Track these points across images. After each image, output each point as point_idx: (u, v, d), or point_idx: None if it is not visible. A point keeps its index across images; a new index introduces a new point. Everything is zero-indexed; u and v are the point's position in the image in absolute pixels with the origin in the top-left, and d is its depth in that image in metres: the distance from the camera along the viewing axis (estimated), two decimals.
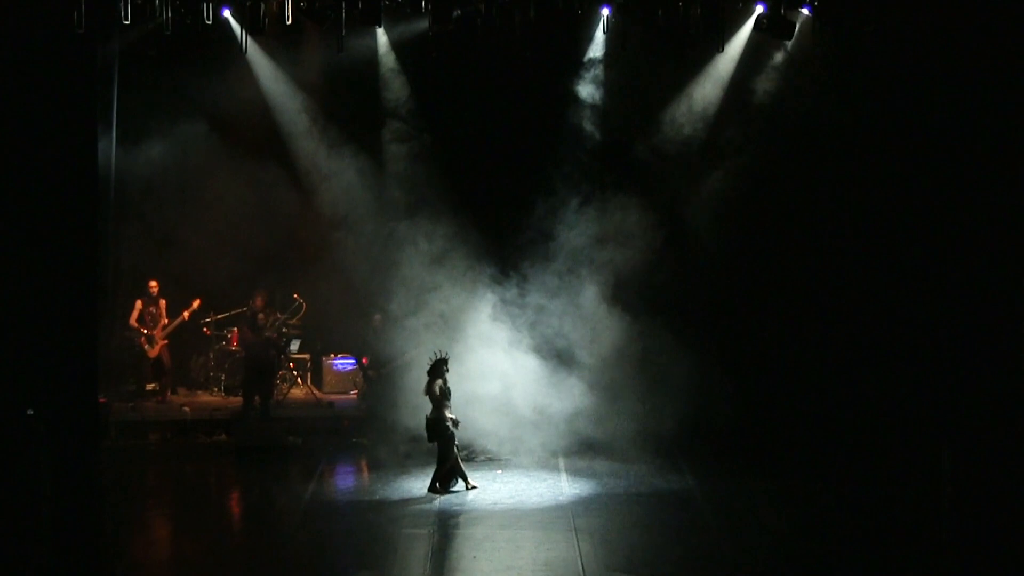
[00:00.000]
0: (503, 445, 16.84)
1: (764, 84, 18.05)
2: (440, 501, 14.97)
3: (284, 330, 19.58)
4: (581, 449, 17.07)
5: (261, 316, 18.90)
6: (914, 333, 15.85)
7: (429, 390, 15.28)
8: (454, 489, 15.31)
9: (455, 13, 16.58)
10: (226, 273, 19.38)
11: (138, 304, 19.24)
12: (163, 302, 19.35)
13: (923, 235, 15.86)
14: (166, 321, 19.34)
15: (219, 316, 19.93)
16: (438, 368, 15.33)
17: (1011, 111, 14.75)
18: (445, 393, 15.31)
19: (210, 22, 16.63)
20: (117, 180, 18.43)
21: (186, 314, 19.38)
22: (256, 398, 18.51)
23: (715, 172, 18.45)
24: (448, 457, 15.33)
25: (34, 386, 14.04)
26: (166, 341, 19.41)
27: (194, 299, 19.36)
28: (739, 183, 18.30)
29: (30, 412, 13.45)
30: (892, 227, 16.96)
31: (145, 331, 19.20)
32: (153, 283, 19.31)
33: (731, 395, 17.45)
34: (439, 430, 15.28)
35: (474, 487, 15.31)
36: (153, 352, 19.30)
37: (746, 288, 18.27)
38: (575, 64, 18.54)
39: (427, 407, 15.46)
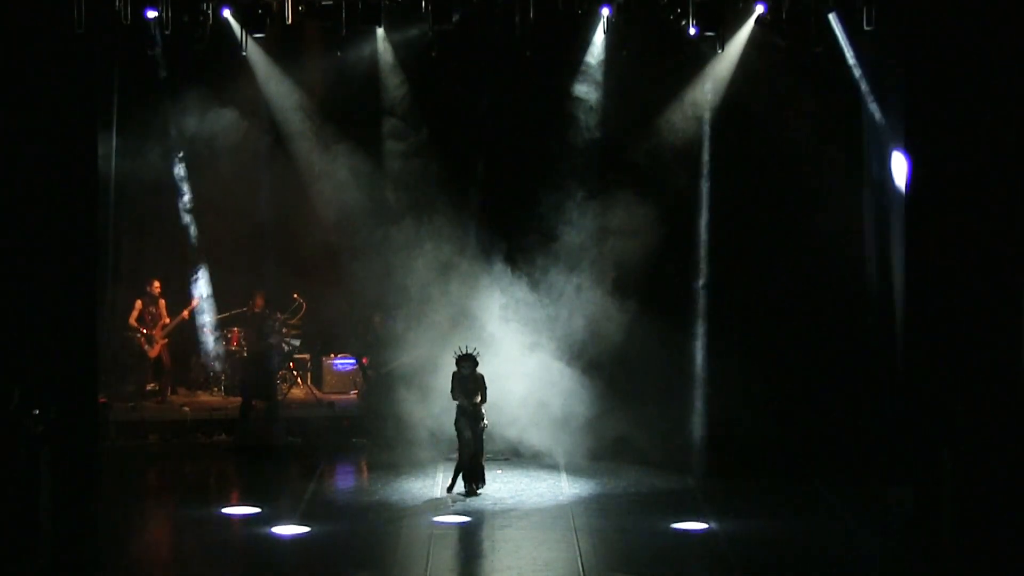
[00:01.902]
0: (510, 445, 16.87)
1: (763, 82, 18.05)
2: (439, 501, 14.97)
3: (284, 330, 19.58)
4: (598, 453, 17.03)
5: (278, 316, 18.89)
6: (914, 333, 15.83)
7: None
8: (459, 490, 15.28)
9: (455, 17, 16.60)
10: (226, 272, 19.39)
11: (138, 304, 19.22)
12: (163, 302, 19.34)
13: (923, 234, 15.83)
14: (166, 321, 19.33)
15: (219, 316, 19.91)
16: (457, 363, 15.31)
17: (1011, 111, 14.75)
18: (456, 387, 15.31)
19: (211, 22, 16.66)
20: (117, 180, 18.44)
21: (185, 313, 19.38)
22: (255, 402, 18.44)
23: (718, 171, 18.46)
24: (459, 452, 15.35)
25: (34, 386, 14.03)
26: (166, 341, 19.39)
27: (193, 298, 19.36)
28: (742, 183, 18.33)
29: (36, 412, 13.44)
30: (892, 225, 16.95)
31: (145, 331, 19.19)
32: (156, 283, 19.29)
33: (742, 396, 17.44)
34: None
35: (468, 494, 15.24)
36: (153, 352, 19.29)
37: (752, 289, 18.28)
38: (575, 64, 18.53)
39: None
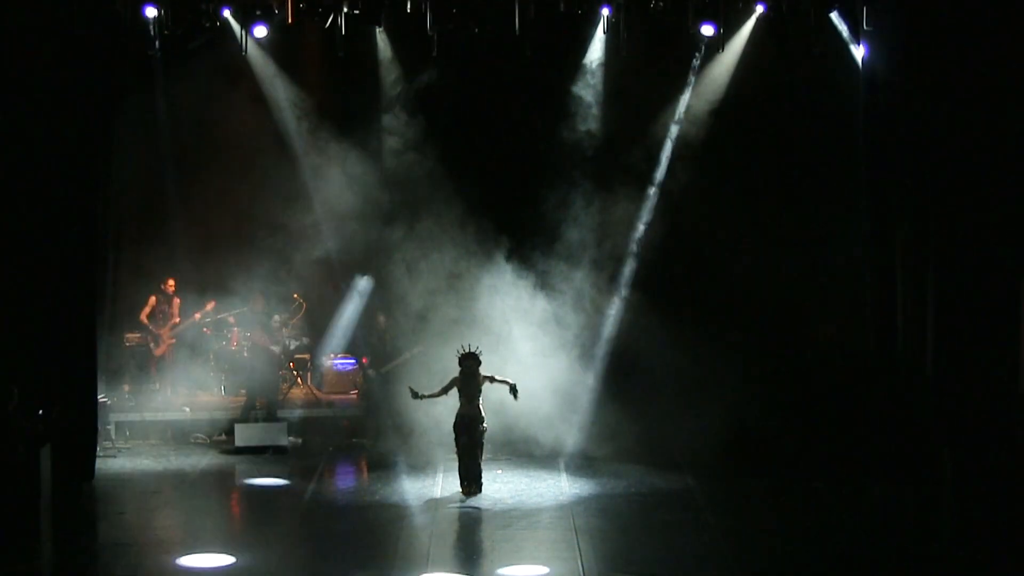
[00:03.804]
0: (510, 443, 16.89)
1: (764, 82, 18.07)
2: (440, 501, 14.96)
3: (284, 330, 19.56)
4: (599, 452, 17.03)
5: (276, 319, 18.87)
6: (914, 333, 15.84)
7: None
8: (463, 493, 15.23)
9: (453, 25, 16.69)
10: (226, 272, 19.39)
11: (151, 300, 19.12)
12: (177, 301, 19.28)
13: (923, 234, 15.84)
14: (177, 320, 19.28)
15: (219, 316, 19.88)
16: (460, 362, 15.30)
17: (1011, 111, 14.74)
18: (451, 386, 15.29)
19: (208, 25, 16.69)
20: (116, 179, 18.43)
21: (197, 315, 19.31)
22: (259, 401, 18.43)
23: (719, 170, 18.47)
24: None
25: (34, 386, 14.03)
26: (173, 340, 19.34)
27: (208, 302, 19.29)
28: (743, 181, 18.37)
29: (40, 412, 13.44)
30: (892, 225, 16.95)
31: (153, 329, 19.13)
32: (171, 281, 19.23)
33: (743, 395, 17.45)
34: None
35: (467, 495, 15.19)
36: (159, 351, 19.25)
37: (751, 288, 18.31)
38: (575, 64, 18.55)
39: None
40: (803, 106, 17.93)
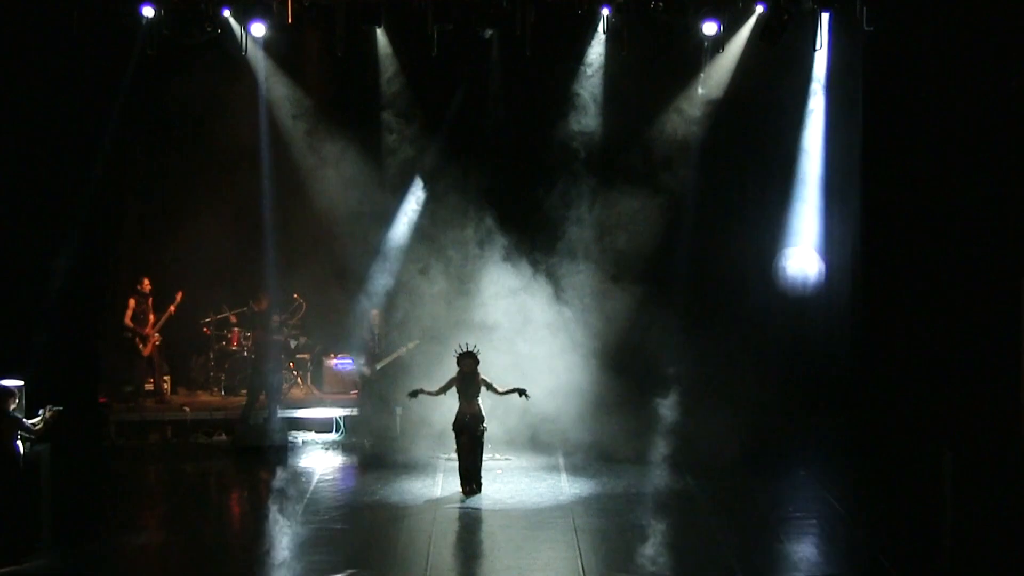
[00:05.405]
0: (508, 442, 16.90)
1: (764, 82, 18.08)
2: (440, 501, 14.96)
3: (284, 330, 19.56)
4: (599, 452, 17.04)
5: (276, 318, 18.86)
6: (914, 333, 15.85)
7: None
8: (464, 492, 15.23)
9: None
10: (225, 272, 19.40)
11: (131, 302, 19.12)
12: (150, 300, 19.28)
13: (923, 234, 15.86)
14: (153, 318, 19.25)
15: (219, 316, 19.90)
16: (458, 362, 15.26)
17: (1010, 110, 14.76)
18: (449, 386, 15.25)
19: (210, 29, 16.71)
20: (116, 178, 18.43)
21: (172, 308, 19.28)
22: (262, 398, 18.42)
23: (720, 170, 18.49)
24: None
25: (34, 386, 14.03)
26: (158, 338, 19.29)
27: (176, 292, 19.28)
28: (743, 182, 18.40)
29: (39, 412, 13.42)
30: (892, 226, 16.97)
31: (138, 330, 19.11)
32: (146, 280, 19.23)
33: (743, 395, 17.47)
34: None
35: (467, 494, 15.19)
36: (146, 351, 19.22)
37: (752, 287, 18.34)
38: (575, 63, 18.57)
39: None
40: (802, 105, 17.93)
